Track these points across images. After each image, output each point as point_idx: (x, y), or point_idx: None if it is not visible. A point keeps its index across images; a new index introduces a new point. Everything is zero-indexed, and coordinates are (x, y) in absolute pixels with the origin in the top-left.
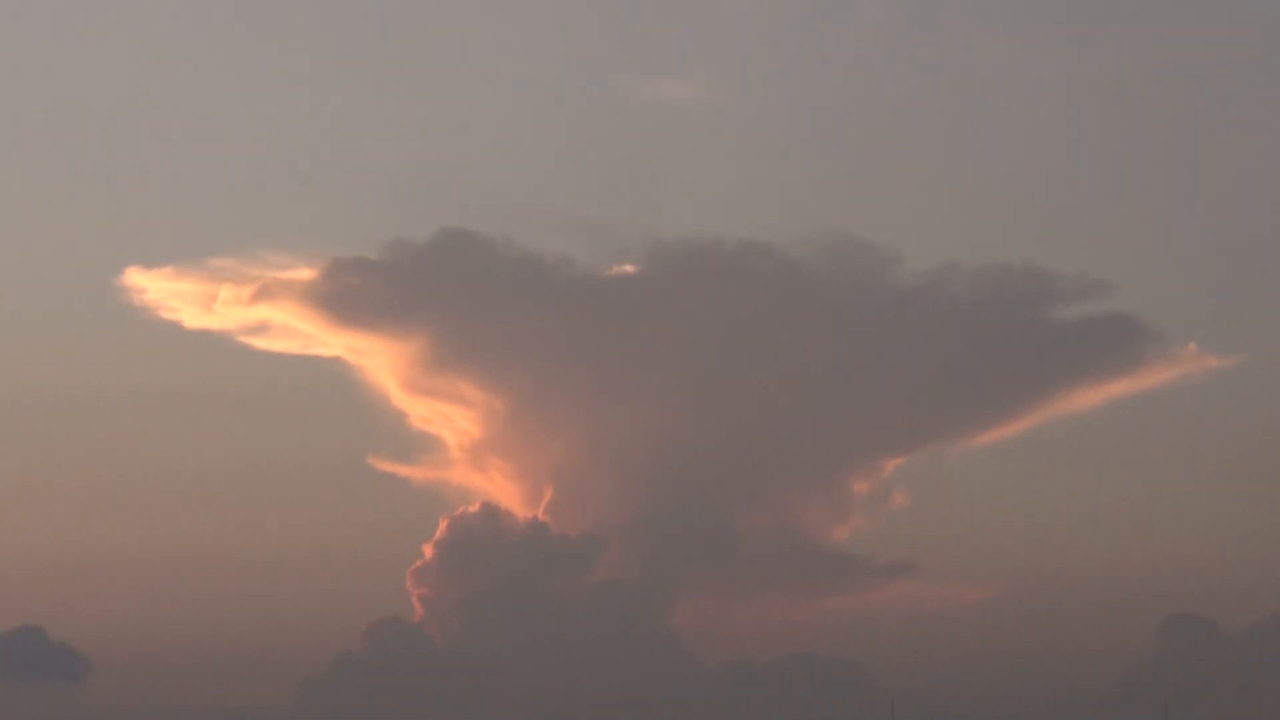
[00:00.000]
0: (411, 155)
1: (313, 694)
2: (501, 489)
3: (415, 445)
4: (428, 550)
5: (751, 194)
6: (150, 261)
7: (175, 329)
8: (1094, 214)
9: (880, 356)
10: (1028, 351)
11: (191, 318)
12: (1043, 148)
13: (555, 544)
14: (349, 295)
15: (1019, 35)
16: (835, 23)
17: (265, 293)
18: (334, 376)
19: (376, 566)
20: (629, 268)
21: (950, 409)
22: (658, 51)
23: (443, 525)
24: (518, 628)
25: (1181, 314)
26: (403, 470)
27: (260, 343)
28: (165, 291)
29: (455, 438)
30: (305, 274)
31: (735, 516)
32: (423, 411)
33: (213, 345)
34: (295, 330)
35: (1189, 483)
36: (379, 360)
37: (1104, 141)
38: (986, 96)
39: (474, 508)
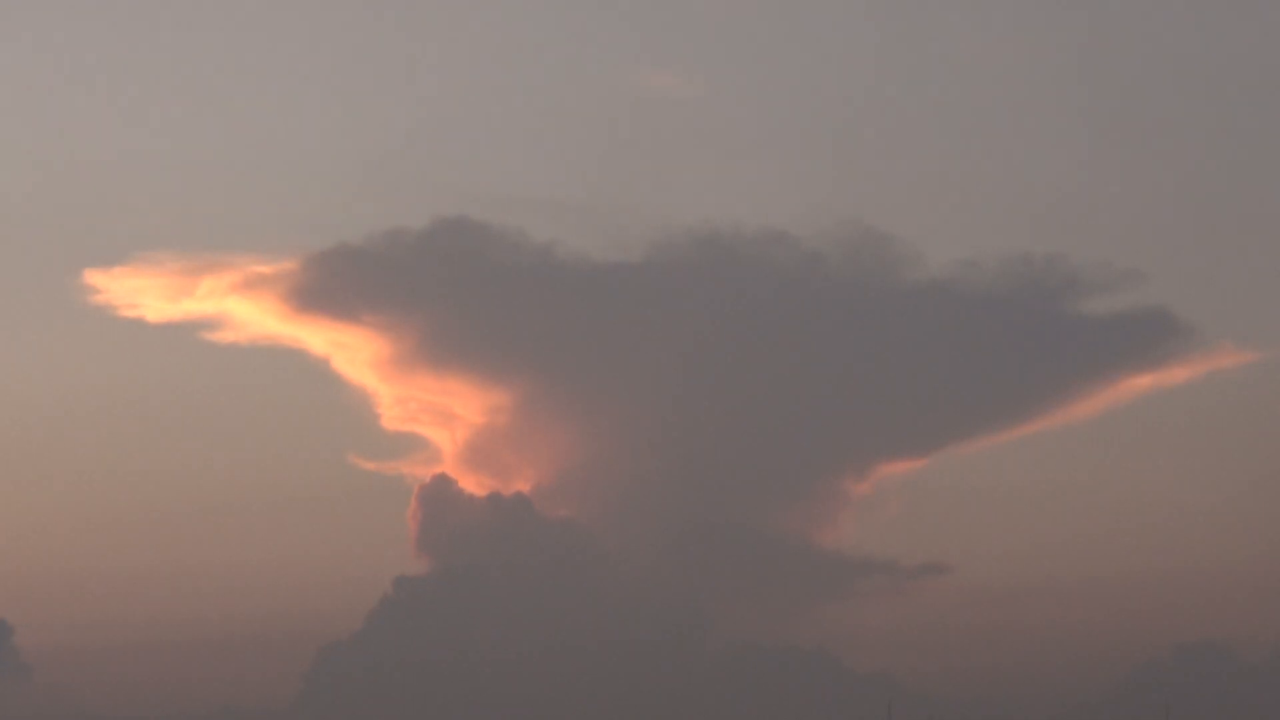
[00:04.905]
0: (406, 144)
1: (305, 687)
2: (500, 484)
3: (407, 443)
4: (419, 546)
5: (764, 188)
6: (113, 259)
7: (141, 326)
8: (1122, 204)
9: (895, 353)
10: (1051, 347)
11: (156, 313)
12: (1062, 135)
13: (555, 538)
14: (336, 288)
15: (1039, 22)
16: (855, 15)
17: (247, 285)
18: (312, 370)
19: (366, 564)
20: (638, 259)
21: (969, 408)
22: (670, 44)
23: (437, 520)
24: (513, 620)
25: (1214, 305)
26: (389, 467)
27: (243, 339)
28: (131, 289)
29: (451, 433)
30: (288, 266)
31: (745, 513)
32: (415, 407)
33: (188, 342)
34: (275, 325)
35: (1216, 484)
36: (366, 354)
37: (1128, 128)
38: (1004, 86)
39: (467, 500)
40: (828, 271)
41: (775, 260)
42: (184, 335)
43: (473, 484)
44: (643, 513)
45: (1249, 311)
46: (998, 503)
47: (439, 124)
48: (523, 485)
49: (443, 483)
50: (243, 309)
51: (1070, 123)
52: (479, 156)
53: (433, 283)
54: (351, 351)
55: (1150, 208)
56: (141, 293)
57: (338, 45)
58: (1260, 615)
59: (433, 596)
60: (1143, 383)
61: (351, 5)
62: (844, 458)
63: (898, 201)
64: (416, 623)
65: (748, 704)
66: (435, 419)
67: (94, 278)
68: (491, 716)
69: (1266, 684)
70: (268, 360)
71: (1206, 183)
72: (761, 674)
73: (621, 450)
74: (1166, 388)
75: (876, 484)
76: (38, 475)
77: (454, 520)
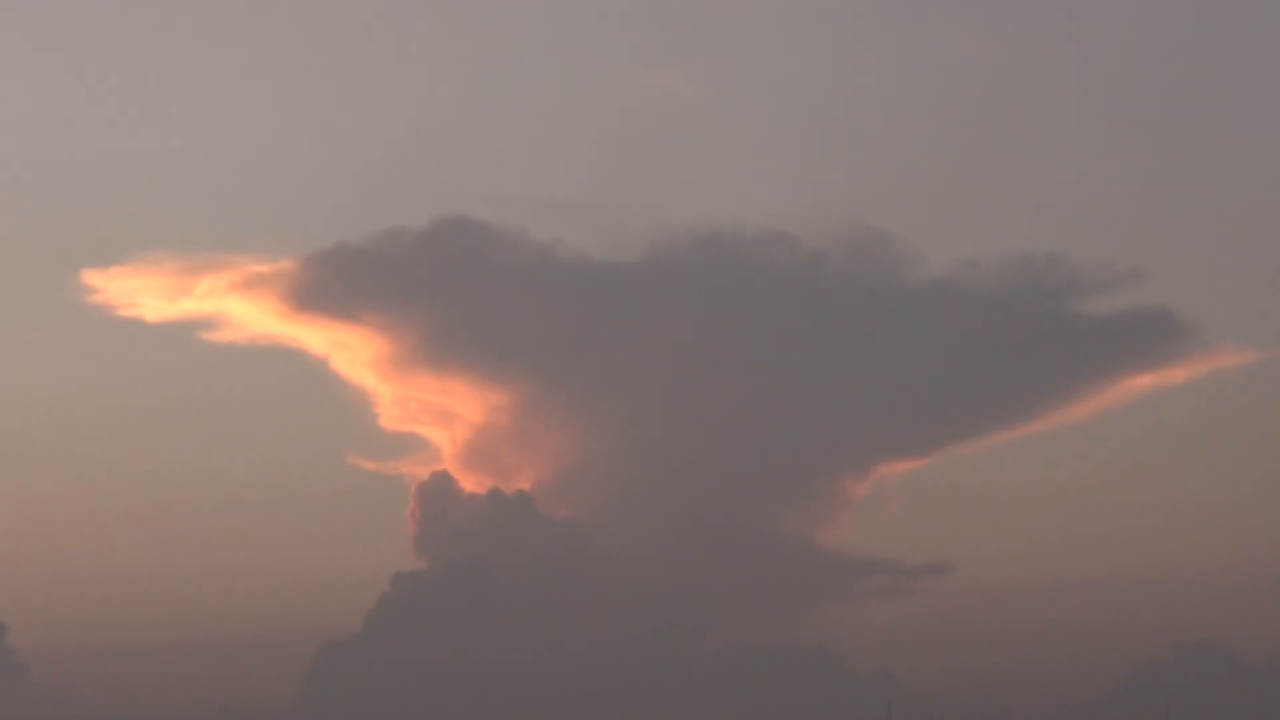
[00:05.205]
0: (406, 144)
1: (305, 686)
2: (500, 484)
3: (406, 443)
4: (418, 545)
5: (764, 188)
6: (111, 259)
7: (139, 326)
8: (1122, 203)
9: (895, 353)
10: (1051, 347)
11: (154, 313)
12: (1062, 135)
13: (555, 538)
14: (334, 288)
15: (1038, 22)
16: (855, 15)
17: (245, 285)
18: (311, 370)
19: (366, 564)
20: (638, 259)
21: (969, 408)
22: (670, 44)
23: (436, 518)
24: (512, 620)
25: (1214, 305)
26: (388, 466)
27: (241, 339)
28: (129, 288)
29: (451, 433)
30: (286, 266)
31: (745, 512)
32: (414, 407)
33: (186, 342)
34: (274, 325)
35: (1216, 484)
36: (365, 354)
37: (1128, 128)
38: (1004, 86)
39: (467, 498)
40: (828, 271)
41: (775, 260)
42: (182, 335)
43: (472, 484)
44: (643, 513)
45: (1249, 311)
46: (998, 503)
47: (439, 123)
48: (523, 485)
49: (442, 480)
50: (241, 309)
51: (1070, 123)
52: (479, 156)
53: (432, 282)
54: (350, 351)
55: (1150, 208)
56: (139, 292)
57: (337, 45)
58: (1260, 615)
59: (432, 595)
60: (1143, 383)
61: (350, 5)
62: (844, 458)
63: (898, 201)
64: (416, 622)
65: (748, 704)
66: (435, 419)
67: (92, 277)
68: (491, 716)
69: (1266, 684)
70: (266, 360)
71: (1206, 183)
72: (761, 674)
73: (621, 450)
74: (1167, 388)
75: (876, 484)
76: (34, 475)
77: (453, 519)
